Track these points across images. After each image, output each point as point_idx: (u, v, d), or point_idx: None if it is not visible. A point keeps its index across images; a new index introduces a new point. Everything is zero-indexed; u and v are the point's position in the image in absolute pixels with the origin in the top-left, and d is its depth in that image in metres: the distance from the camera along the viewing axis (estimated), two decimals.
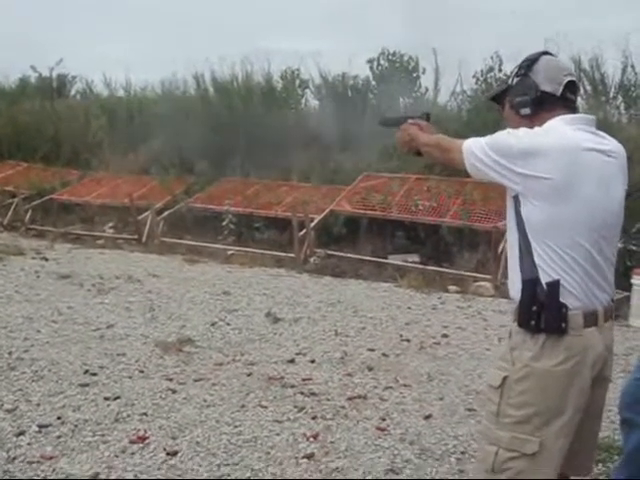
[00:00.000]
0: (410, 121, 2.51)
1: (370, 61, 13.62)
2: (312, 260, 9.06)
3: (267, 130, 11.41)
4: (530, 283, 2.03)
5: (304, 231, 9.18)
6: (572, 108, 2.20)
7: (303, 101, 13.89)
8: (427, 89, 13.27)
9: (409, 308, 6.93)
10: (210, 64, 13.86)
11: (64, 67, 16.15)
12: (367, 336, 5.80)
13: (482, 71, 11.70)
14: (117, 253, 9.68)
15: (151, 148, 12.52)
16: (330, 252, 9.17)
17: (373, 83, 13.54)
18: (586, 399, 2.11)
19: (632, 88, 10.88)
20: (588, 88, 11.17)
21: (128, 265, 8.60)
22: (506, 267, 7.81)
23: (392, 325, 6.20)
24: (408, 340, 5.71)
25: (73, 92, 16.74)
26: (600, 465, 3.40)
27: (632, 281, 6.59)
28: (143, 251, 9.82)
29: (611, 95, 11.01)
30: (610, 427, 3.73)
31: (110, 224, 11.38)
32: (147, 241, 10.28)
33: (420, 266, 8.67)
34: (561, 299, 2.02)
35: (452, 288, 7.95)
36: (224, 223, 10.12)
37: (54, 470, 3.18)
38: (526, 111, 2.15)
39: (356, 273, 8.63)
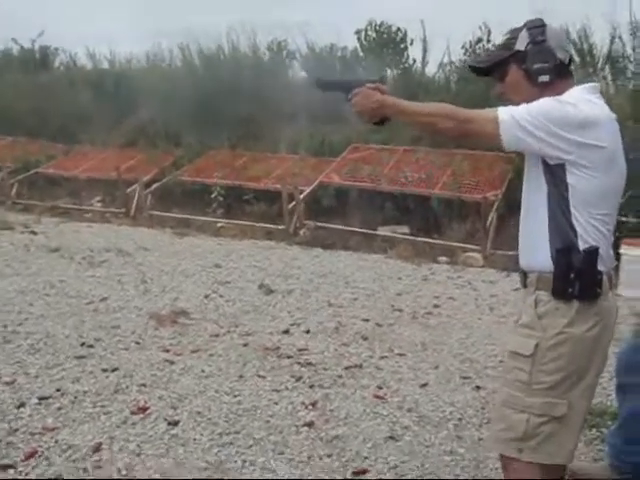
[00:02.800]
0: (369, 85, 2.25)
1: (358, 32, 13.55)
2: (302, 232, 9.07)
3: (254, 102, 11.34)
4: (565, 251, 2.03)
5: (293, 203, 9.18)
6: (573, 76, 2.21)
7: (290, 72, 13.82)
8: (415, 60, 13.24)
9: (400, 279, 6.98)
10: (195, 36, 13.75)
11: (46, 40, 15.95)
12: (360, 307, 5.85)
13: (470, 42, 11.68)
14: (105, 227, 9.65)
15: (137, 121, 12.41)
16: (320, 224, 9.18)
17: (361, 54, 13.48)
18: (605, 362, 2.17)
19: (620, 59, 10.90)
20: (576, 59, 11.18)
21: (117, 238, 8.58)
22: (495, 238, 7.78)
23: (384, 296, 6.25)
24: (400, 310, 5.76)
25: (57, 64, 16.50)
26: (594, 430, 3.46)
27: (620, 251, 6.65)
28: (131, 224, 9.80)
29: (599, 66, 11.02)
30: (603, 393, 3.80)
31: (97, 198, 11.32)
32: (135, 214, 10.23)
33: (410, 237, 8.72)
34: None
35: (442, 259, 8.00)
36: (213, 196, 10.09)
37: (56, 441, 3.19)
38: (545, 78, 2.11)
39: (346, 245, 8.66)
